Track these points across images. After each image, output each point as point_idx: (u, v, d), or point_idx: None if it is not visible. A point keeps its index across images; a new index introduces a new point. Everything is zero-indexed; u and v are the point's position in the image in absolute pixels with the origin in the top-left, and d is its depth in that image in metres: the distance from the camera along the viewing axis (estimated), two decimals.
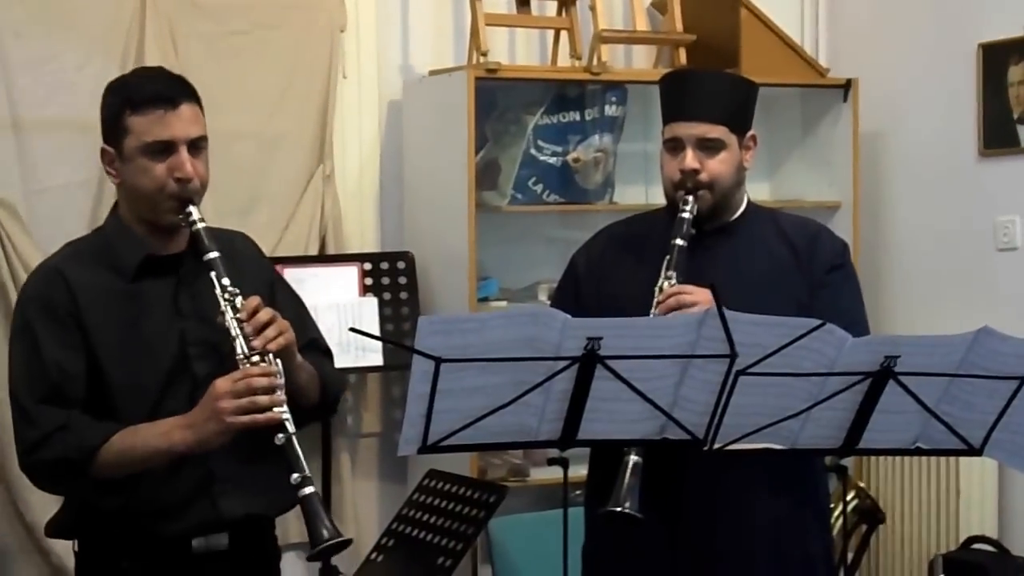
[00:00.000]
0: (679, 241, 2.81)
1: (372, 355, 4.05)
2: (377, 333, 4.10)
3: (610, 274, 2.95)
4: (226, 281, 2.54)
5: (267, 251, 4.17)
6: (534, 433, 2.43)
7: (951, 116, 4.63)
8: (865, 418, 2.46)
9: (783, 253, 2.92)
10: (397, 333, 4.14)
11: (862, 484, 4.41)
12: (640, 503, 2.63)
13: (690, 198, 2.83)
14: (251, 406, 2.47)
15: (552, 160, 4.52)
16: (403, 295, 4.27)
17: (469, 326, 2.30)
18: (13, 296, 3.84)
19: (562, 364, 2.32)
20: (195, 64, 4.15)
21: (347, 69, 4.40)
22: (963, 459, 4.24)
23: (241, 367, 2.50)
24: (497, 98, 4.49)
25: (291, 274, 4.14)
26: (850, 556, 4.35)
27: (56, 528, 2.70)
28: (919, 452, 2.55)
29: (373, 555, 3.62)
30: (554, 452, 2.58)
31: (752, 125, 2.95)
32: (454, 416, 2.32)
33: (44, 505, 3.89)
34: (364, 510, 4.42)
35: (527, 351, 2.30)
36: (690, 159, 2.83)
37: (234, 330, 2.52)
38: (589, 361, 2.32)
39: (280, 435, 2.48)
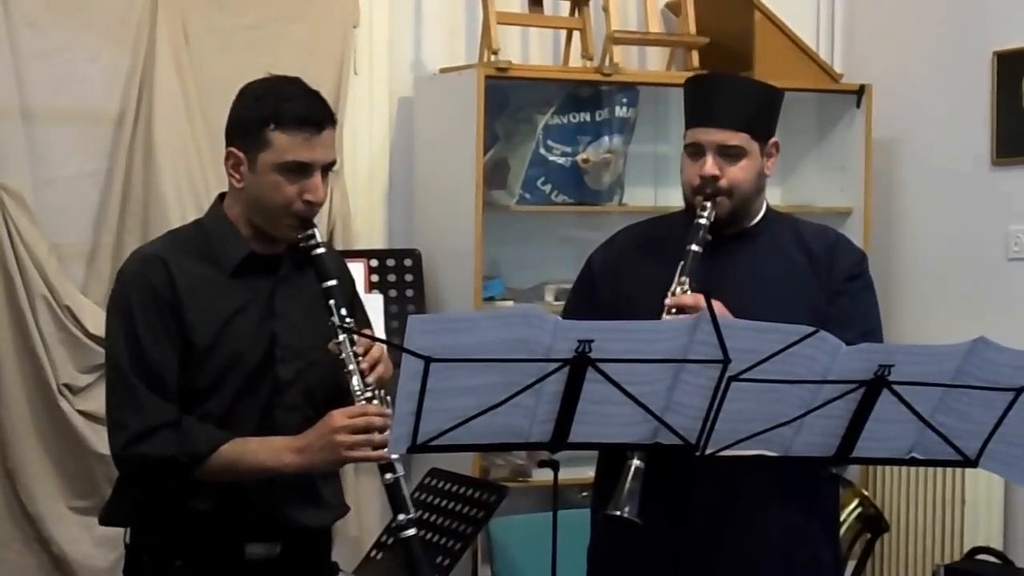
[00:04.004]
0: (694, 247, 2.79)
1: None
2: (381, 330, 4.11)
3: (626, 275, 2.94)
4: (344, 311, 2.57)
5: None
6: (525, 435, 2.41)
7: (964, 124, 4.60)
8: (859, 427, 2.44)
9: (801, 260, 2.91)
10: (402, 331, 4.13)
11: (866, 493, 4.38)
12: (641, 508, 2.62)
13: (708, 204, 2.82)
14: (366, 443, 2.52)
15: (562, 160, 4.51)
16: (409, 292, 4.27)
17: (460, 326, 2.29)
18: (19, 284, 3.86)
19: (553, 366, 2.31)
20: (206, 57, 4.17)
21: (359, 65, 4.40)
22: (969, 469, 4.21)
23: (356, 401, 2.54)
24: (508, 97, 4.48)
25: None
26: (854, 565, 4.33)
27: (111, 516, 2.67)
28: (914, 462, 2.53)
29: (373, 552, 3.62)
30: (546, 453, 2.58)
31: (776, 131, 2.93)
32: (444, 416, 2.31)
33: (46, 497, 3.93)
34: (366, 507, 4.41)
35: (518, 352, 2.29)
36: (710, 165, 2.82)
37: (351, 364, 2.55)
38: (580, 363, 2.31)
39: (389, 475, 2.54)
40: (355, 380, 2.55)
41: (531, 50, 4.67)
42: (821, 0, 5.06)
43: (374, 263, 4.25)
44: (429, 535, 3.49)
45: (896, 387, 2.37)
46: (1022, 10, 4.44)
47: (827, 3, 5.06)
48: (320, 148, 2.56)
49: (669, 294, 2.76)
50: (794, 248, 2.92)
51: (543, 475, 4.11)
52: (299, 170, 2.54)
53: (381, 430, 2.52)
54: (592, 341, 2.30)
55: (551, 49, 4.68)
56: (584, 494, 3.05)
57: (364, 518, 4.36)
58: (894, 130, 4.80)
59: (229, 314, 2.57)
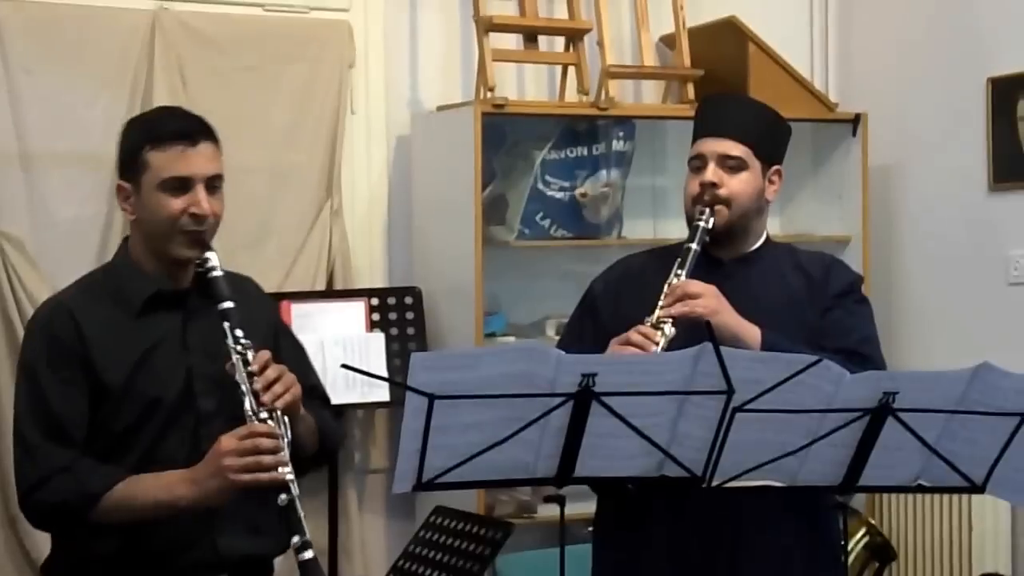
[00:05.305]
0: (692, 246, 2.81)
1: (379, 391, 4.05)
2: (383, 369, 4.10)
3: (626, 299, 2.94)
4: (239, 333, 2.56)
5: (275, 286, 4.23)
6: (531, 470, 2.40)
7: (961, 150, 4.61)
8: (865, 455, 2.43)
9: (799, 283, 2.92)
10: (404, 368, 4.12)
11: (873, 521, 4.37)
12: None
13: (707, 210, 2.83)
14: (256, 465, 2.49)
15: (560, 195, 4.52)
16: (410, 330, 4.26)
17: (463, 362, 2.29)
18: (19, 331, 3.85)
19: (557, 400, 2.30)
20: (204, 98, 4.17)
21: (355, 104, 4.42)
22: (976, 496, 4.19)
23: (248, 423, 2.52)
24: (505, 133, 4.49)
25: (298, 309, 4.17)
26: None
27: (50, 570, 2.69)
28: (921, 489, 2.52)
29: None
30: (552, 489, 2.56)
31: (782, 162, 2.95)
32: (449, 453, 2.31)
33: (48, 543, 3.90)
34: (371, 546, 4.40)
35: (521, 387, 2.28)
36: (710, 173, 2.84)
37: (244, 384, 2.53)
38: (584, 397, 2.30)
39: (283, 496, 2.50)
40: (247, 401, 2.52)
41: (527, 86, 4.69)
42: (815, 30, 5.08)
43: (375, 302, 4.25)
44: (435, 573, 3.47)
45: (901, 414, 2.37)
46: (1016, 35, 4.46)
47: (820, 33, 5.09)
48: (197, 161, 2.58)
49: (666, 285, 2.77)
50: (792, 273, 2.93)
51: (548, 511, 4.10)
52: (180, 185, 2.57)
53: (274, 451, 2.49)
54: (595, 375, 2.29)
55: (547, 85, 4.70)
56: (590, 529, 3.03)
57: (369, 558, 4.35)
58: (890, 158, 4.81)
59: (141, 353, 2.58)
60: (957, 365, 2.38)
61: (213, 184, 2.61)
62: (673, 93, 4.74)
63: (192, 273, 2.65)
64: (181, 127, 2.61)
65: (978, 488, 2.49)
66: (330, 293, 4.29)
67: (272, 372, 2.55)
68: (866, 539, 4.26)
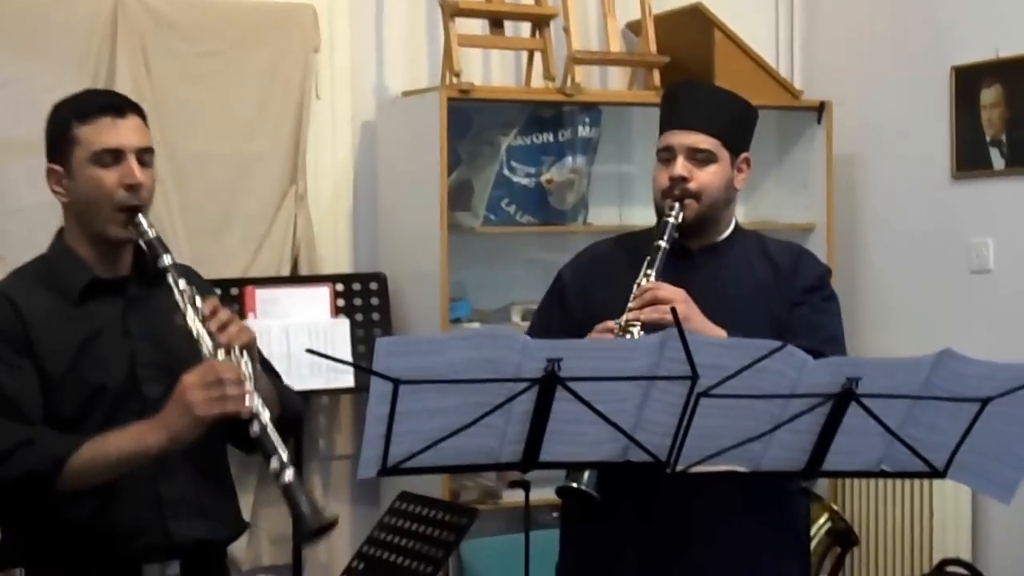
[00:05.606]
0: (662, 243, 2.80)
1: (344, 376, 4.04)
2: (349, 354, 4.10)
3: (595, 287, 2.95)
4: (183, 284, 2.54)
5: (239, 271, 4.22)
6: (496, 455, 2.40)
7: (924, 138, 4.64)
8: (828, 440, 2.44)
9: (766, 274, 2.92)
10: (369, 354, 4.11)
11: (836, 507, 4.40)
12: (599, 487, 2.63)
13: (676, 205, 2.83)
14: (221, 396, 2.46)
15: (526, 181, 4.52)
16: (375, 316, 4.26)
17: (428, 347, 2.28)
18: None
19: (522, 386, 2.30)
20: (167, 84, 4.16)
21: (320, 89, 4.41)
22: (937, 481, 4.23)
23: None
24: (471, 119, 4.49)
25: (263, 295, 4.16)
26: None
27: (3, 559, 2.64)
28: (883, 474, 2.53)
29: None
30: (517, 475, 2.57)
31: (749, 149, 2.95)
32: (414, 438, 2.30)
33: None
34: (336, 532, 4.34)
35: (487, 372, 2.28)
36: (679, 167, 2.84)
37: (196, 329, 2.51)
38: (549, 383, 2.31)
39: (255, 425, 2.47)
40: (205, 344, 2.50)
41: (493, 72, 4.68)
42: (780, 18, 5.09)
43: (340, 287, 4.24)
44: (400, 559, 3.47)
45: (864, 400, 2.38)
46: (979, 24, 4.48)
47: (786, 21, 5.10)
48: (127, 131, 2.57)
49: (635, 285, 2.77)
50: (760, 262, 2.94)
51: (513, 497, 4.11)
52: (112, 158, 2.55)
53: (238, 382, 2.47)
54: (561, 360, 2.29)
55: (513, 71, 4.70)
56: (555, 514, 3.04)
57: (333, 544, 4.34)
58: (855, 146, 4.83)
59: (81, 341, 2.55)
60: (920, 352, 2.39)
61: (144, 158, 2.59)
62: (639, 80, 4.75)
63: (130, 261, 2.64)
64: (108, 100, 2.63)
65: (939, 473, 2.50)
66: (295, 279, 4.28)
67: (224, 314, 2.54)
68: (828, 524, 4.28)
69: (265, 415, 2.48)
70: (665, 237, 2.81)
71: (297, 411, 2.81)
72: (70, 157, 2.58)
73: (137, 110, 2.63)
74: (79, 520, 2.54)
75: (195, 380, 2.47)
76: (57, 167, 2.61)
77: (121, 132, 2.57)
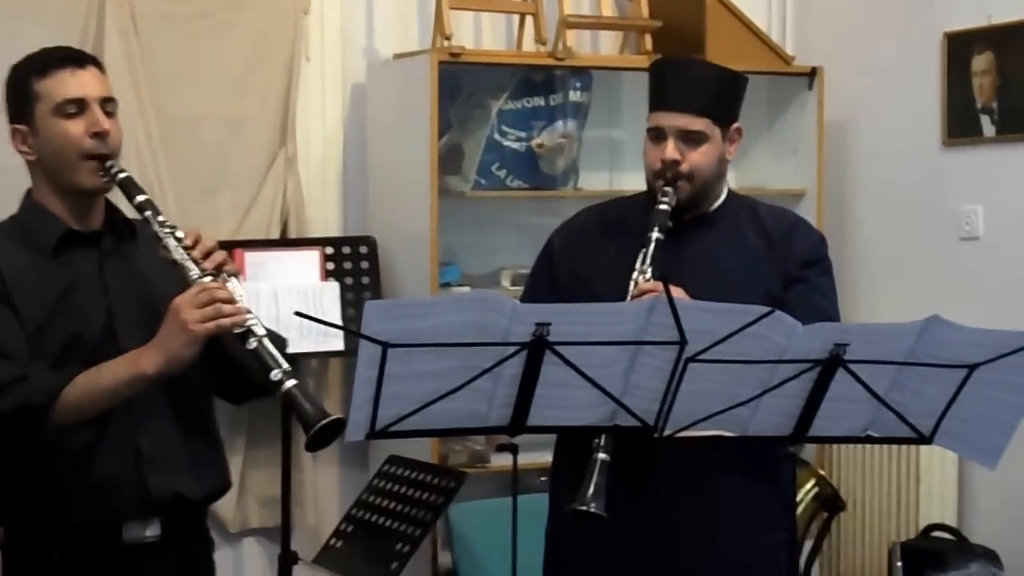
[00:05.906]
0: (656, 234, 2.79)
1: (333, 340, 4.03)
2: (338, 318, 4.10)
3: (585, 257, 2.94)
4: (163, 216, 2.55)
5: (228, 234, 4.20)
6: (484, 419, 2.41)
7: (915, 105, 4.63)
8: (815, 406, 2.45)
9: (759, 243, 2.92)
10: (359, 318, 4.11)
11: (822, 472, 4.42)
12: (607, 502, 2.62)
13: (669, 189, 2.82)
14: (215, 313, 2.47)
15: (516, 145, 4.50)
16: (365, 280, 4.25)
17: (417, 311, 2.29)
18: None
19: (511, 350, 2.31)
20: (157, 46, 4.14)
21: (311, 51, 4.38)
22: (923, 447, 4.25)
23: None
24: (462, 82, 4.47)
25: (252, 258, 4.15)
26: (810, 543, 4.37)
27: None
28: (870, 440, 2.54)
29: (332, 541, 3.61)
30: (506, 438, 2.58)
31: (739, 117, 2.93)
32: (402, 401, 2.31)
33: None
34: (324, 496, 4.41)
35: (476, 336, 2.28)
36: (671, 150, 2.82)
37: (181, 257, 2.52)
38: (537, 347, 2.31)
39: (252, 340, 2.47)
40: (191, 270, 2.51)
41: (484, 35, 4.66)
42: None
43: (329, 251, 4.23)
44: (388, 522, 3.49)
45: (851, 366, 2.39)
46: None
47: None
48: (88, 80, 2.58)
49: (632, 283, 2.75)
50: (753, 233, 2.93)
51: (501, 460, 4.12)
52: (76, 108, 2.56)
53: (228, 302, 2.48)
54: (549, 324, 2.30)
55: (504, 34, 4.68)
56: (543, 479, 3.05)
57: (322, 507, 4.35)
58: (846, 112, 4.82)
59: (58, 293, 2.56)
60: (908, 318, 2.40)
61: (108, 108, 2.59)
62: (631, 44, 4.73)
63: (102, 214, 2.65)
64: (66, 53, 2.63)
65: (926, 439, 2.52)
66: (284, 242, 4.27)
67: (208, 242, 2.55)
68: (815, 490, 4.31)
69: (260, 329, 2.49)
70: (659, 226, 2.79)
71: (282, 349, 2.81)
72: (33, 113, 2.57)
73: (95, 62, 2.64)
74: (58, 475, 2.54)
75: (188, 300, 2.48)
76: (21, 126, 2.60)
77: (83, 82, 2.57)
